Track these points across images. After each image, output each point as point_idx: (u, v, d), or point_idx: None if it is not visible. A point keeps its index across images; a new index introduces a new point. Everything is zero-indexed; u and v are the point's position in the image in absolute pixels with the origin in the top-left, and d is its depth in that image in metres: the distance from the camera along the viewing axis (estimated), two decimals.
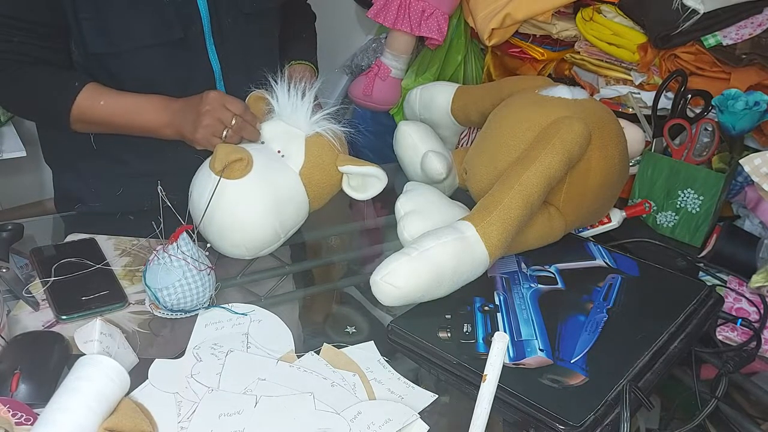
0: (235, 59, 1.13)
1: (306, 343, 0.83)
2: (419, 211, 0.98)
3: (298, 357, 0.80)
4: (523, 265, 0.93)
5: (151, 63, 1.05)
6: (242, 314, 0.86)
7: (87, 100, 1.02)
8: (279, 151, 0.99)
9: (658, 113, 1.17)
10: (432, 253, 0.82)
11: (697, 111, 1.16)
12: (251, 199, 0.92)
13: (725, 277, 0.98)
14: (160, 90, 1.07)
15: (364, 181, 1.02)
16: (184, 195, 0.96)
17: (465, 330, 0.81)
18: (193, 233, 0.86)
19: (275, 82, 1.02)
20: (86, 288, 0.86)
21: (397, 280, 0.81)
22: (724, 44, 1.14)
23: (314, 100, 1.03)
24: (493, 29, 1.29)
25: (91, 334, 0.76)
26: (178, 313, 0.85)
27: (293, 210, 0.98)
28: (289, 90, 1.01)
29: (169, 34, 1.04)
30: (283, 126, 1.01)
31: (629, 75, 1.27)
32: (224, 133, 0.95)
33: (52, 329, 0.81)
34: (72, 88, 1.02)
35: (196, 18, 1.06)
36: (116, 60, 1.03)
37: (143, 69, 1.05)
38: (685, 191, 1.09)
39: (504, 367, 0.69)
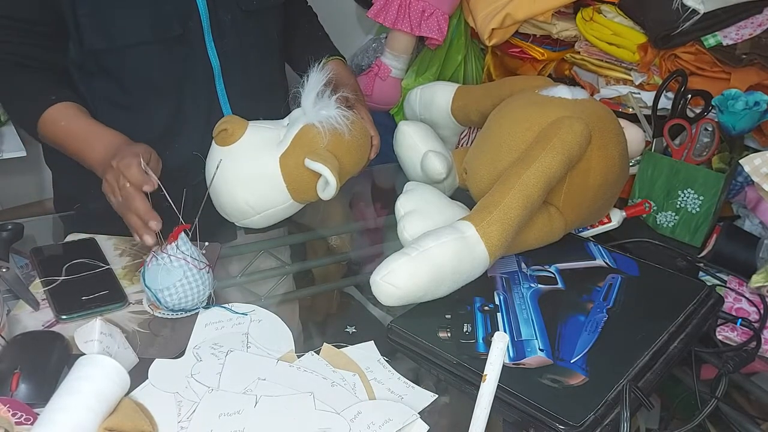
0: (234, 56, 1.13)
1: (306, 343, 0.83)
2: (419, 211, 0.98)
3: (298, 357, 0.80)
4: (523, 265, 0.93)
5: (149, 59, 1.05)
6: (242, 314, 0.86)
7: (51, 117, 1.00)
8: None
9: (658, 113, 1.17)
10: (432, 253, 0.82)
11: (697, 111, 1.16)
12: (223, 164, 0.99)
13: (725, 277, 0.98)
14: (159, 87, 1.07)
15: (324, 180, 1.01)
16: (182, 194, 0.96)
17: (465, 330, 0.81)
18: (190, 233, 0.86)
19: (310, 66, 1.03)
20: (86, 288, 0.86)
21: (397, 280, 0.81)
22: (724, 44, 1.14)
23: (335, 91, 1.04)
24: (493, 29, 1.29)
25: (91, 333, 0.76)
26: (179, 313, 0.85)
27: (266, 190, 1.00)
28: (312, 75, 1.02)
29: (167, 30, 1.04)
30: (300, 111, 1.04)
31: (629, 75, 1.27)
32: (113, 200, 0.92)
33: (52, 329, 0.81)
34: (45, 102, 1.00)
35: (194, 14, 1.06)
36: (114, 57, 1.03)
37: (142, 66, 1.05)
38: (685, 191, 1.09)
39: (504, 367, 0.69)
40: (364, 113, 1.12)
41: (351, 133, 1.02)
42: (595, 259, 0.95)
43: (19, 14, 1.00)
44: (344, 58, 1.29)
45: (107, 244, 0.98)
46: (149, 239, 0.87)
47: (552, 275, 0.91)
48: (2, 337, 0.76)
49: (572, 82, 1.36)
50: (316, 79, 1.02)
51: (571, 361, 0.76)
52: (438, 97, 1.21)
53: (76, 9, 0.99)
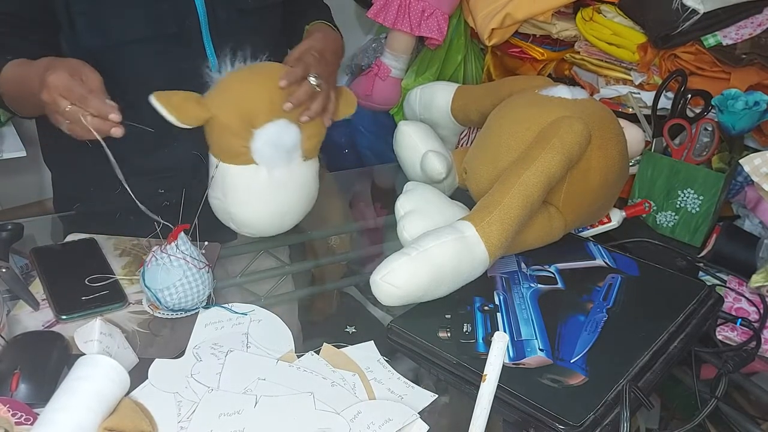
0: (231, 55, 1.12)
1: (306, 343, 0.83)
2: (419, 210, 0.98)
3: (298, 357, 0.80)
4: (523, 265, 0.93)
5: (145, 58, 1.05)
6: (242, 314, 0.86)
7: (4, 76, 0.99)
8: None
9: (658, 113, 1.17)
10: (432, 253, 0.82)
11: (697, 111, 1.16)
12: None
13: (725, 277, 0.99)
14: (155, 86, 1.06)
15: None
16: (181, 193, 0.96)
17: (465, 330, 0.81)
18: (189, 232, 0.86)
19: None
20: (86, 288, 0.86)
21: (397, 280, 0.81)
22: (724, 44, 1.14)
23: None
24: (493, 29, 1.29)
25: (91, 333, 0.76)
26: (179, 313, 0.85)
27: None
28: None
29: (163, 27, 1.04)
30: None
31: (629, 75, 1.27)
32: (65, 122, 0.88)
33: (52, 329, 0.81)
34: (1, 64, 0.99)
35: (191, 12, 1.06)
36: (110, 55, 1.03)
37: (137, 64, 1.05)
38: (684, 191, 1.09)
39: (504, 367, 0.69)
40: (303, 67, 1.01)
41: (234, 78, 0.99)
42: (595, 259, 0.95)
43: (10, 11, 1.00)
44: (330, 24, 1.24)
45: (107, 244, 0.98)
46: (118, 131, 0.86)
47: (552, 275, 0.91)
48: (2, 337, 0.76)
49: (572, 82, 1.35)
50: None
51: (571, 361, 0.76)
52: (438, 97, 1.21)
53: (70, 6, 0.99)
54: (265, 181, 0.98)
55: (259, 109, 0.96)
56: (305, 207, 1.04)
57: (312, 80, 0.98)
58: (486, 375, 0.68)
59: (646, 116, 1.21)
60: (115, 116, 0.84)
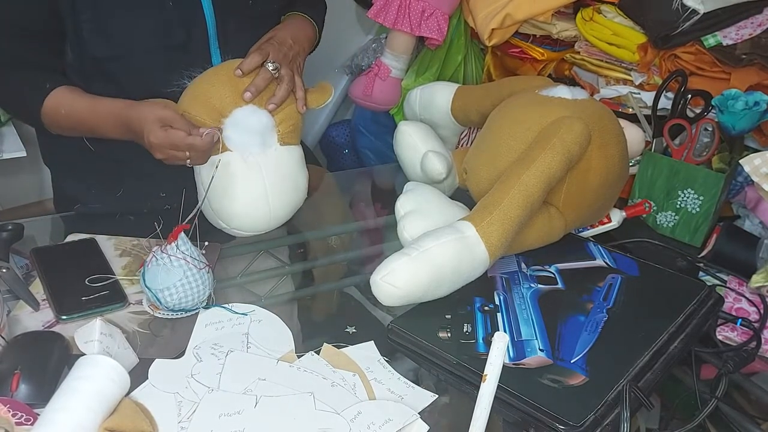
0: None
1: (306, 343, 0.83)
2: (419, 211, 0.98)
3: (298, 357, 0.80)
4: (523, 265, 0.93)
5: (151, 66, 1.04)
6: (242, 314, 0.86)
7: (51, 107, 1.02)
8: None
9: (658, 113, 1.17)
10: (432, 253, 0.82)
11: (697, 111, 1.16)
12: None
13: (725, 277, 0.98)
14: (161, 93, 1.07)
15: None
16: (182, 195, 0.96)
17: (465, 330, 0.81)
18: (189, 233, 0.86)
19: None
20: (86, 288, 0.86)
21: (397, 280, 0.81)
22: (724, 44, 1.14)
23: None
24: (493, 29, 1.29)
25: (91, 334, 0.76)
26: (179, 313, 0.85)
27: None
28: None
29: (170, 37, 1.03)
30: None
31: (629, 75, 1.27)
32: (186, 162, 0.97)
33: (52, 329, 0.81)
34: (40, 92, 1.02)
35: (200, 21, 1.06)
36: (116, 63, 1.03)
37: (144, 72, 1.05)
38: (685, 191, 1.09)
39: (504, 367, 0.69)
40: (263, 55, 1.05)
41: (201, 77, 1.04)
42: (595, 259, 0.95)
43: (18, 19, 1.00)
44: (311, 18, 1.25)
45: (107, 244, 0.98)
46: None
47: (552, 275, 0.91)
48: (2, 337, 0.76)
49: (572, 82, 1.35)
50: None
51: (571, 361, 0.76)
52: (438, 97, 1.21)
53: (77, 15, 0.99)
54: (240, 166, 0.99)
55: (225, 98, 1.00)
56: (292, 197, 1.04)
57: (269, 66, 1.03)
58: (486, 375, 0.68)
59: (646, 116, 1.21)
60: (217, 134, 0.96)
